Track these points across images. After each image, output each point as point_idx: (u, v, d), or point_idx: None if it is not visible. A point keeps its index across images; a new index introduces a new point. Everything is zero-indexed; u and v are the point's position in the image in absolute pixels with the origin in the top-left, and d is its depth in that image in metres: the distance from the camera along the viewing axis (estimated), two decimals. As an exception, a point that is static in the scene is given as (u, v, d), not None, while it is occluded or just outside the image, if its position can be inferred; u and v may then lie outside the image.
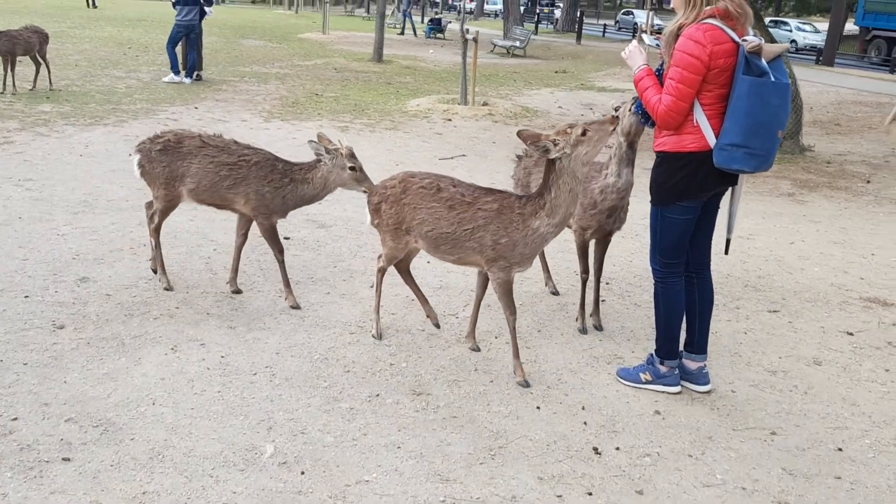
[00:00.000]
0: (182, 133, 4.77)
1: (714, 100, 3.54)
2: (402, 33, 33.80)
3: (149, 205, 5.03)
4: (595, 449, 3.48)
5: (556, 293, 5.30)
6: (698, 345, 4.02)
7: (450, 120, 12.35)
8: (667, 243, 3.82)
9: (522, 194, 4.02)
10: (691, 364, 4.04)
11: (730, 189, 3.85)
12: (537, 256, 3.96)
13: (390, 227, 4.14)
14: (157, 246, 4.94)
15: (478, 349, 4.36)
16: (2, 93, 11.34)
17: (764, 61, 3.49)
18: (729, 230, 3.98)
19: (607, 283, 5.49)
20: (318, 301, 4.90)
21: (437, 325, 4.53)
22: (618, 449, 3.50)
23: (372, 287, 5.10)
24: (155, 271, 5.02)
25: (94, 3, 35.46)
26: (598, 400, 3.91)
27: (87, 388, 3.69)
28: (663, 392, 3.98)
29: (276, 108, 12.25)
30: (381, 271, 4.40)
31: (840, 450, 3.59)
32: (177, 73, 13.98)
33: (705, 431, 3.68)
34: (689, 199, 3.70)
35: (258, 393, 3.76)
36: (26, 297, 4.61)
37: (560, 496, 3.13)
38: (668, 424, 3.72)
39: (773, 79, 3.45)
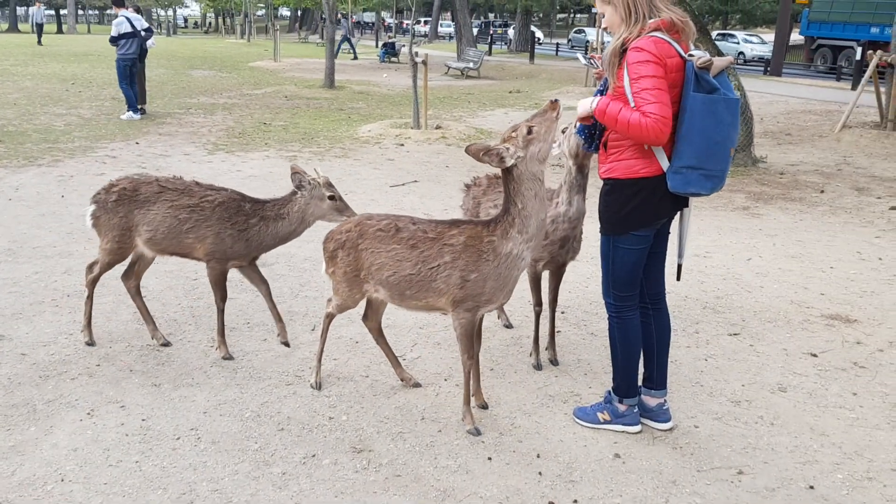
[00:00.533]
0: (137, 179, 4.42)
1: None
2: (355, 58, 33.64)
3: (126, 275, 4.65)
4: (551, 503, 3.19)
5: (509, 326, 5.03)
6: (657, 380, 3.78)
7: (402, 145, 12.12)
8: (621, 275, 3.57)
9: (488, 219, 3.73)
10: (650, 401, 3.80)
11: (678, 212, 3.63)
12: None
13: (348, 276, 3.82)
14: (90, 297, 4.55)
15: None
16: (-70, 135, 10.82)
17: (711, 77, 3.28)
18: (680, 255, 3.74)
19: (563, 313, 5.25)
20: (254, 349, 4.57)
21: (418, 385, 4.20)
22: (575, 502, 3.22)
23: (313, 330, 4.80)
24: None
25: (39, 41, 34.86)
26: (555, 445, 3.64)
27: (-12, 466, 3.32)
28: (623, 432, 3.72)
29: (221, 140, 11.89)
30: (329, 317, 4.09)
31: (812, 487, 3.36)
32: (135, 111, 13.48)
33: (668, 475, 3.43)
34: (644, 227, 3.47)
35: (181, 461, 3.42)
36: (-71, 362, 4.21)
37: (512, 563, 2.84)
38: (628, 469, 3.46)
39: (723, 95, 3.25)
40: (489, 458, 3.51)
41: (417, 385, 4.17)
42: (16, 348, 4.44)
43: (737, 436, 3.78)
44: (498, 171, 3.58)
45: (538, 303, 4.48)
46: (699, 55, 3.27)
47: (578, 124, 3.66)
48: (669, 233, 3.73)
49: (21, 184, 8.50)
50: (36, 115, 13.67)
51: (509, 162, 3.42)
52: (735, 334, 5.00)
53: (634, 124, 3.22)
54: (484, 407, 3.95)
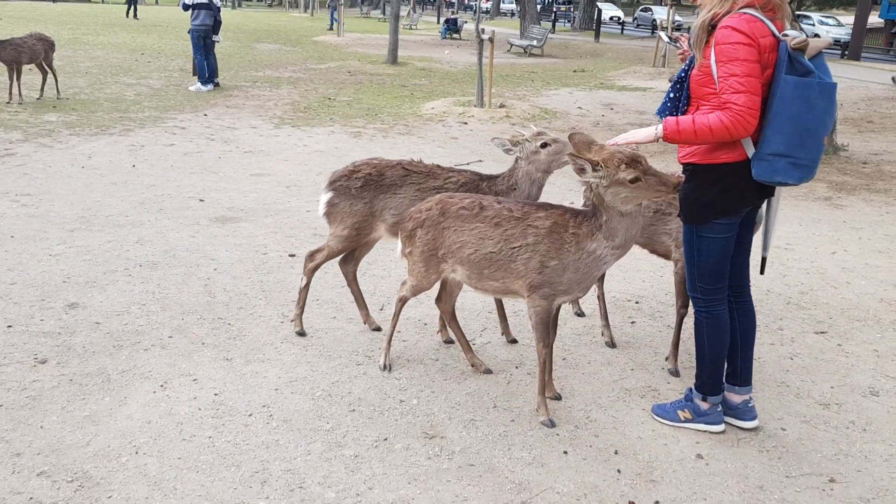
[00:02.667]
0: (381, 164, 4.26)
1: None
2: (331, 28, 32.63)
3: (344, 260, 4.50)
4: (631, 503, 3.07)
5: (581, 314, 4.88)
6: (742, 376, 3.58)
7: (466, 123, 11.96)
8: (707, 267, 3.38)
9: (579, 210, 3.57)
10: (735, 398, 3.62)
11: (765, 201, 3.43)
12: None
13: (425, 255, 3.73)
14: (307, 286, 4.42)
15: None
16: (8, 102, 11.11)
17: (807, 59, 3.06)
18: (765, 248, 3.52)
19: (636, 303, 5.07)
20: (324, 327, 4.52)
21: (489, 371, 4.09)
22: (657, 503, 3.08)
23: (382, 310, 4.73)
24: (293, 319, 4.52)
25: (135, 14, 34.53)
26: (633, 442, 3.50)
27: (66, 434, 3.34)
28: (705, 431, 3.55)
29: (286, 114, 11.92)
30: (402, 301, 4.00)
31: (911, 501, 3.15)
32: (204, 83, 13.61)
33: (755, 479, 3.26)
34: (727, 215, 3.28)
35: (253, 438, 3.39)
36: (9, 326, 4.27)
37: (593, 565, 2.72)
38: (712, 471, 3.30)
39: (818, 79, 3.03)
40: (565, 452, 3.39)
41: (488, 372, 4.07)
42: (90, 316, 4.48)
43: (827, 441, 3.58)
44: None
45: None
46: (794, 35, 3.05)
47: (663, 103, 3.41)
48: (757, 222, 3.53)
49: (93, 152, 8.65)
50: (107, 84, 13.92)
51: (584, 178, 3.26)
52: (822, 332, 4.75)
53: (717, 128, 3.03)
54: (557, 398, 3.83)
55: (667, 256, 4.25)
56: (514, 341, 4.41)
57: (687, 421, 3.58)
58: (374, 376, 3.98)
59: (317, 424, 3.52)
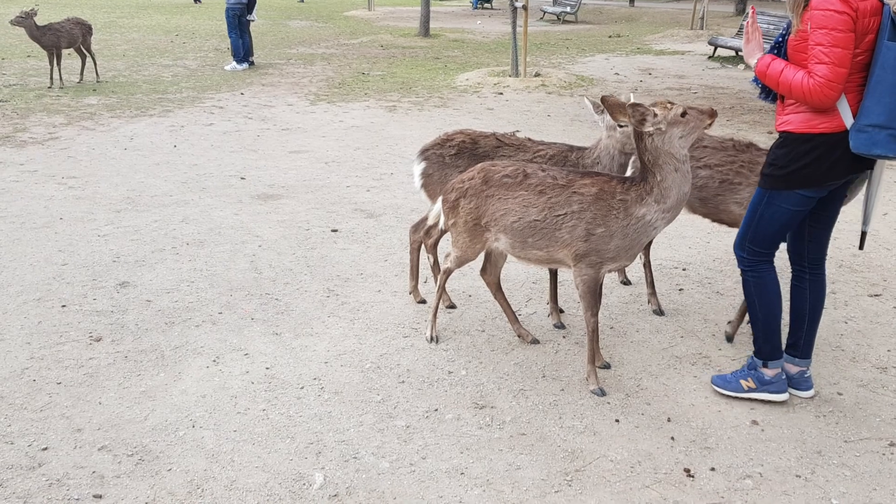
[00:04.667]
0: (474, 133, 4.27)
1: (852, 70, 2.96)
2: None
3: (415, 227, 4.49)
4: (687, 470, 3.03)
5: (627, 283, 4.83)
6: (803, 349, 3.50)
7: (501, 94, 11.83)
8: (765, 231, 3.28)
9: (625, 176, 3.53)
10: (792, 368, 3.55)
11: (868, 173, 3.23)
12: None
13: (468, 225, 3.70)
14: (436, 263, 4.46)
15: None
16: (49, 87, 11.28)
17: None
18: (865, 221, 3.34)
19: (684, 270, 4.99)
20: (369, 300, 4.54)
21: (536, 341, 4.07)
22: (713, 470, 3.05)
23: (426, 282, 4.73)
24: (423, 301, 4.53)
25: None
26: (685, 409, 3.46)
27: (123, 409, 3.41)
28: (767, 401, 3.46)
29: (322, 91, 11.92)
30: (447, 272, 4.00)
31: (976, 465, 3.07)
32: (239, 62, 13.67)
33: (812, 445, 3.20)
34: (811, 187, 3.13)
35: (306, 410, 3.43)
36: (63, 306, 4.37)
37: (650, 532, 2.71)
38: (768, 437, 3.25)
39: None
40: (616, 421, 3.37)
41: (535, 342, 4.05)
42: (141, 295, 4.56)
43: (885, 405, 3.50)
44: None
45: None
46: None
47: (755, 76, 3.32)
48: (847, 196, 3.40)
49: (135, 133, 8.76)
50: (144, 66, 14.05)
51: (648, 128, 3.23)
52: (876, 295, 4.64)
53: (797, 87, 2.96)
54: (606, 367, 3.80)
55: (735, 225, 4.11)
56: (560, 325, 4.28)
57: (750, 390, 3.47)
58: (421, 348, 3.99)
59: (367, 396, 3.55)
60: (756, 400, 3.47)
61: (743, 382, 3.49)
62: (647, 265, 4.46)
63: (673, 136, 3.23)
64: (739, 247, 3.40)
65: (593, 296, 3.52)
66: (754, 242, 3.33)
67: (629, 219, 3.34)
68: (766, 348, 3.43)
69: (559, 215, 3.44)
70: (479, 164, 3.79)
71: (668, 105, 3.24)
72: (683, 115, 3.22)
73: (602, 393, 3.55)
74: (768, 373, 3.44)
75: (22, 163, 7.37)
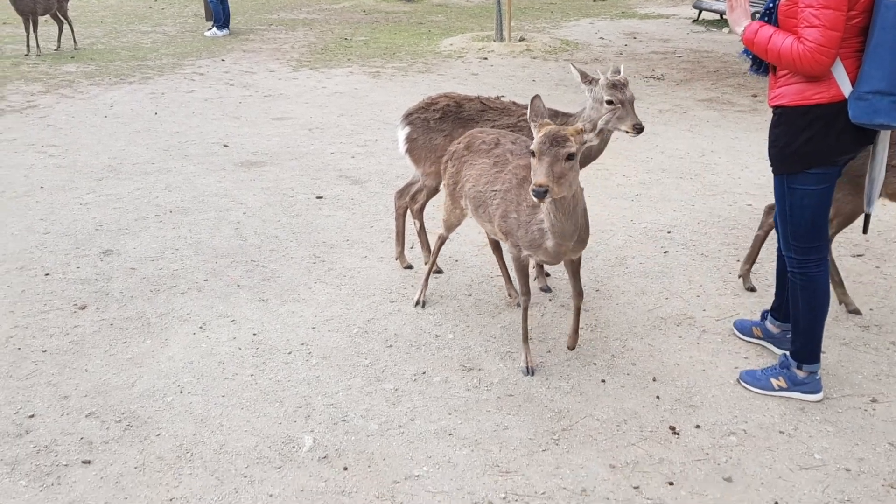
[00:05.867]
0: (459, 96, 4.16)
1: (848, 34, 2.79)
2: None
3: (401, 193, 4.44)
4: (672, 428, 3.08)
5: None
6: (787, 311, 3.49)
7: (486, 59, 11.72)
8: (800, 223, 3.07)
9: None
10: (774, 329, 3.58)
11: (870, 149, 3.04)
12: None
13: (449, 188, 3.73)
14: (423, 228, 4.43)
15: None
16: (26, 55, 11.06)
17: None
18: (868, 202, 3.10)
19: (669, 232, 5.01)
20: (356, 266, 4.53)
21: (519, 305, 3.94)
22: (698, 427, 3.09)
23: (412, 248, 4.71)
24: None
25: None
26: (670, 369, 3.50)
27: (110, 376, 3.40)
28: (800, 400, 3.28)
29: (304, 56, 11.76)
30: (441, 239, 4.01)
31: (954, 419, 3.14)
32: (219, 27, 13.43)
33: (796, 402, 3.25)
34: (820, 165, 2.92)
35: (294, 375, 3.43)
36: (47, 274, 4.33)
37: (637, 487, 2.75)
38: (752, 396, 3.30)
39: None
40: (602, 381, 3.40)
41: (519, 305, 4.05)
42: (125, 262, 4.53)
43: (867, 362, 3.55)
44: None
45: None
46: None
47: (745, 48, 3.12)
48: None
49: (115, 101, 8.62)
50: (122, 32, 13.79)
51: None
52: (859, 255, 4.68)
53: (786, 53, 2.79)
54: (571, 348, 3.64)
55: None
56: (546, 289, 4.26)
57: (781, 389, 3.27)
58: (408, 313, 3.99)
59: (355, 360, 3.56)
60: (785, 397, 3.28)
61: (773, 381, 3.30)
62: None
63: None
64: (785, 248, 3.19)
65: (520, 274, 3.46)
66: (796, 238, 3.11)
67: (532, 219, 3.18)
68: (804, 351, 3.24)
69: (492, 190, 3.39)
70: (472, 130, 3.77)
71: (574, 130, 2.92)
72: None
73: (531, 373, 3.44)
74: (800, 374, 3.25)
75: (0, 131, 7.25)
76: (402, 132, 4.18)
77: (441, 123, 4.09)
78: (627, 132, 3.65)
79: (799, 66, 2.79)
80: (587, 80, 3.81)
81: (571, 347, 3.55)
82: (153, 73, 10.18)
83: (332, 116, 8.09)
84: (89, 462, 2.85)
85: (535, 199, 2.82)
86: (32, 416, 3.11)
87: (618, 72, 3.81)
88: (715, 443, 3.00)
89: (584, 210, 3.16)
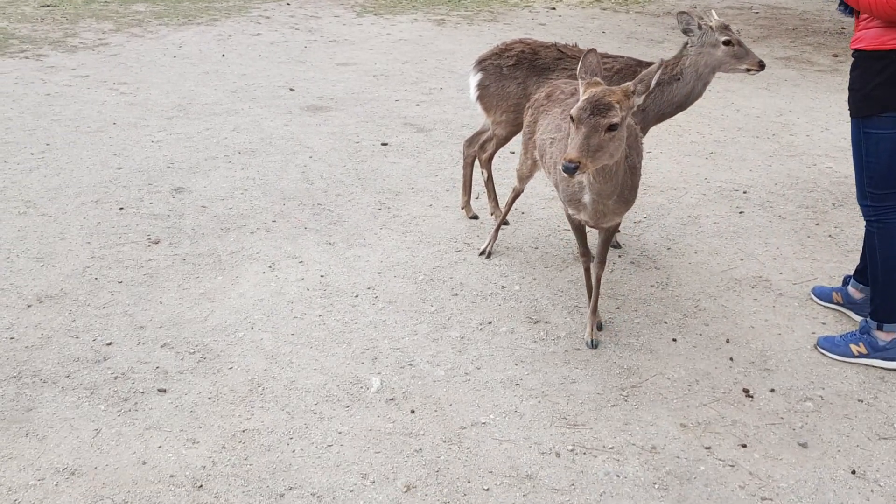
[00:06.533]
0: (534, 43, 4.00)
1: None
2: None
3: (469, 142, 4.36)
4: (746, 391, 3.00)
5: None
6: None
7: (553, 8, 11.43)
8: (876, 168, 3.00)
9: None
10: (857, 293, 3.45)
11: None
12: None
13: (525, 137, 3.61)
14: (490, 179, 4.34)
15: None
16: (96, -6, 11.19)
17: None
18: None
19: (745, 193, 4.85)
20: (421, 214, 4.50)
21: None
22: (773, 391, 3.01)
23: (478, 198, 4.66)
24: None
25: None
26: (745, 331, 3.41)
27: (184, 309, 3.47)
28: (881, 368, 3.17)
29: (369, 2, 11.63)
30: (514, 190, 3.94)
31: None
32: None
33: (875, 371, 3.14)
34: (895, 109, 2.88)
35: (361, 317, 3.45)
36: (121, 208, 4.42)
37: (708, 448, 2.70)
38: (829, 362, 3.20)
39: None
40: (674, 340, 3.34)
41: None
42: (196, 200, 4.58)
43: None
44: None
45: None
46: None
47: None
48: None
49: (183, 42, 8.67)
50: (190, -25, 13.82)
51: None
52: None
53: (875, 3, 2.72)
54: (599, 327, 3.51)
55: None
56: (616, 244, 4.11)
57: (861, 356, 3.17)
58: (474, 262, 3.96)
59: (421, 307, 3.55)
60: (865, 365, 3.18)
61: (853, 347, 3.20)
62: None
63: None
64: (861, 196, 3.13)
65: (575, 232, 3.38)
66: (872, 185, 3.04)
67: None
68: (882, 309, 3.14)
69: (551, 139, 3.24)
70: (559, 80, 3.66)
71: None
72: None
73: (594, 345, 3.28)
74: (883, 337, 3.14)
75: (74, 67, 7.37)
76: (474, 78, 4.08)
77: (514, 70, 3.97)
78: (749, 70, 3.66)
79: (875, 10, 2.75)
80: (703, 22, 3.69)
81: (592, 335, 3.27)
82: (220, 15, 10.20)
83: (396, 63, 8.01)
84: (165, 391, 2.92)
85: (564, 175, 2.56)
86: (110, 343, 3.20)
87: (711, 14, 3.74)
88: (790, 408, 2.92)
89: (634, 168, 2.95)
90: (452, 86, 7.10)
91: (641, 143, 3.22)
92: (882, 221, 3.06)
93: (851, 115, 3.05)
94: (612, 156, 2.65)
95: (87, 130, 5.66)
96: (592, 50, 2.90)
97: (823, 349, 3.26)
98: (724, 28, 3.67)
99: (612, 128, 2.55)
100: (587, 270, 3.42)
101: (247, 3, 11.20)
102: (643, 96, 2.68)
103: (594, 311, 3.34)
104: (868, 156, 3.01)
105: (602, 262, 3.30)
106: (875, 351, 3.16)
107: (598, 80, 2.75)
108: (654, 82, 2.68)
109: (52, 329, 3.28)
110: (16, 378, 2.96)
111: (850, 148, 3.14)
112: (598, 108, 2.54)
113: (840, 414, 2.89)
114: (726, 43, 3.64)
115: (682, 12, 3.73)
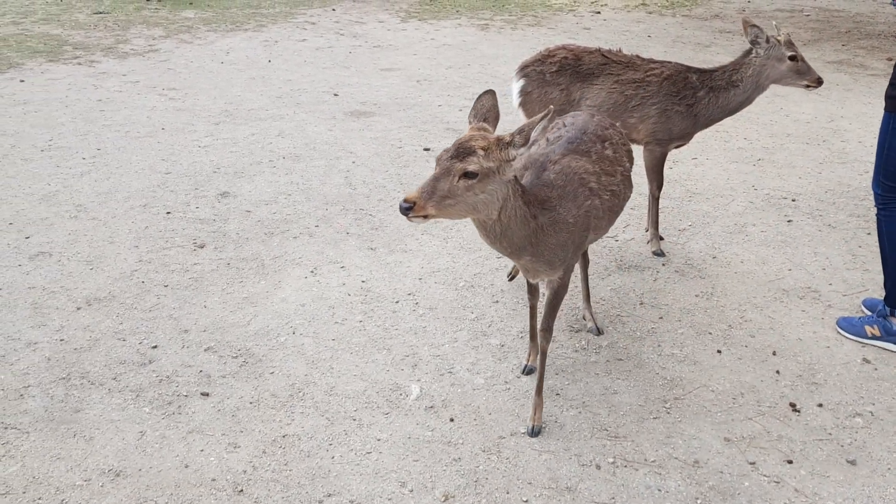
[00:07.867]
0: (578, 49, 3.97)
1: None
2: None
3: None
4: (792, 405, 2.93)
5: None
6: None
7: (598, 13, 11.34)
8: (893, 162, 3.09)
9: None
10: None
11: None
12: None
13: None
14: None
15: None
16: (148, 0, 11.45)
17: None
18: None
19: (793, 201, 4.74)
20: (462, 221, 4.49)
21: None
22: (820, 406, 2.93)
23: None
24: None
25: None
26: (792, 344, 3.32)
27: (227, 313, 3.52)
28: (890, 351, 3.26)
29: (413, 7, 11.69)
30: None
31: None
32: None
33: (930, 388, 3.04)
34: None
35: (401, 324, 3.46)
36: (168, 213, 4.51)
37: (753, 463, 2.64)
38: (880, 377, 3.10)
39: None
40: (718, 351, 3.27)
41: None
42: (240, 205, 4.65)
43: None
44: None
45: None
46: None
47: None
48: None
49: (231, 48, 8.82)
50: (238, -19, 14.07)
51: None
52: None
53: None
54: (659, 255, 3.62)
55: None
56: (660, 253, 4.10)
57: (874, 338, 3.29)
58: (515, 269, 3.95)
59: (461, 314, 3.55)
60: (879, 347, 3.28)
61: (867, 328, 3.29)
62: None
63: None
64: (874, 183, 3.24)
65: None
66: (887, 176, 3.14)
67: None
68: (893, 293, 3.24)
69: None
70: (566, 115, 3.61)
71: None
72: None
73: (527, 372, 3.12)
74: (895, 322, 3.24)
75: (124, 73, 7.55)
76: (517, 85, 4.06)
77: (558, 77, 3.94)
78: (809, 86, 3.76)
79: None
80: (768, 36, 3.74)
81: (533, 420, 2.80)
82: (267, 22, 10.35)
83: (439, 69, 8.02)
84: (208, 394, 2.96)
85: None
86: (155, 346, 3.26)
87: (776, 28, 3.82)
88: (839, 423, 2.84)
89: (562, 224, 2.54)
90: (496, 91, 7.07)
91: (599, 197, 2.70)
92: (889, 210, 3.20)
93: (886, 108, 3.18)
94: (475, 208, 2.28)
95: (136, 135, 5.79)
96: (487, 92, 2.55)
97: (841, 328, 3.38)
98: (790, 44, 3.73)
99: (467, 175, 2.21)
100: (532, 308, 3.09)
101: (293, 9, 11.35)
102: (524, 148, 2.29)
103: (539, 390, 2.83)
104: (890, 148, 3.14)
105: (546, 331, 2.80)
106: (888, 335, 3.27)
107: (485, 125, 2.43)
108: (534, 135, 2.27)
109: (101, 331, 3.36)
110: (65, 379, 3.04)
111: None
112: (458, 151, 2.23)
113: (891, 431, 2.80)
114: (792, 58, 3.71)
115: (753, 25, 3.73)
